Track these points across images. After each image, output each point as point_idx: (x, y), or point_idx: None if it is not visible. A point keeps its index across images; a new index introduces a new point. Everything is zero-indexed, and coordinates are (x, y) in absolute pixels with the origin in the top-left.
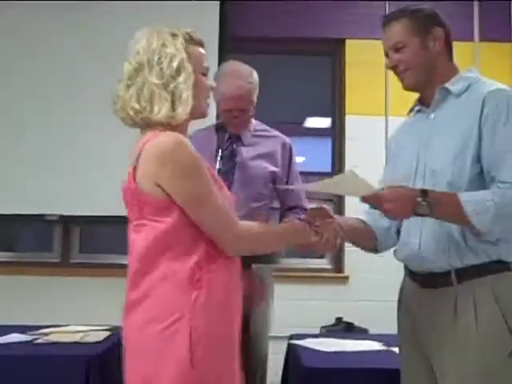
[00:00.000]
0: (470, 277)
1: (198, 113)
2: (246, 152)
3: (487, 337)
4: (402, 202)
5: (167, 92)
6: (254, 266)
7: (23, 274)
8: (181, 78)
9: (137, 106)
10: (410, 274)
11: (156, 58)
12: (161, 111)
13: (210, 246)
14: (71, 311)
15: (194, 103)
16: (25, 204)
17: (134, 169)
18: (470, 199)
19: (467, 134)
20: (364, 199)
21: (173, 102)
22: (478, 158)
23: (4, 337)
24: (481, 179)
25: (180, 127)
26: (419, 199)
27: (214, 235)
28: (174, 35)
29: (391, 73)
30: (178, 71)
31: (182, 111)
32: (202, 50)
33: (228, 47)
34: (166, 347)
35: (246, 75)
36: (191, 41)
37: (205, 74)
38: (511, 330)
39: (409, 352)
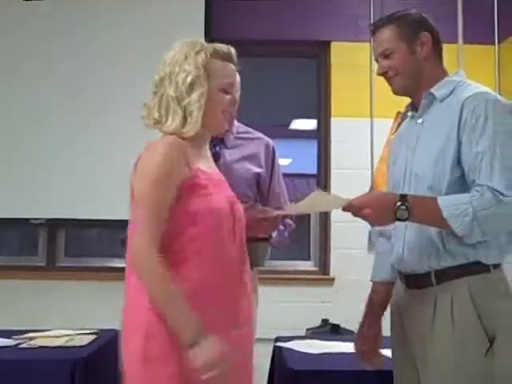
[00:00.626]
0: (448, 278)
1: (213, 128)
2: (229, 154)
3: (463, 337)
4: (381, 207)
5: (180, 107)
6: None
7: (8, 277)
8: (194, 96)
9: (156, 115)
10: (399, 275)
11: (176, 70)
12: (172, 124)
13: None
14: (57, 315)
15: (209, 119)
16: (10, 208)
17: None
18: (448, 203)
19: (447, 138)
20: (344, 209)
21: (184, 118)
22: (458, 162)
23: None
24: (462, 183)
25: (193, 138)
26: (398, 203)
27: (133, 236)
28: (198, 51)
29: (376, 75)
30: (192, 88)
31: (191, 128)
32: (227, 65)
33: None
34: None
35: None
36: (216, 55)
37: (226, 91)
38: (486, 330)
39: (399, 353)
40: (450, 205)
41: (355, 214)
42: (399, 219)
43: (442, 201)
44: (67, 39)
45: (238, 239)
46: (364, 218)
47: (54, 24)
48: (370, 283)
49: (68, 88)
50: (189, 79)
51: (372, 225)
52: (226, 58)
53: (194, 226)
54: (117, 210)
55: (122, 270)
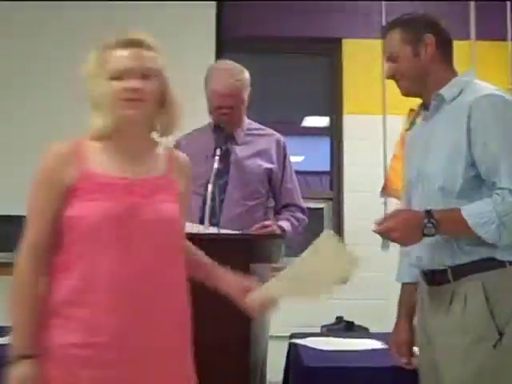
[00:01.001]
0: (463, 274)
1: (120, 120)
2: (240, 151)
3: (473, 329)
4: (409, 228)
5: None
6: (251, 265)
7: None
8: (91, 94)
9: None
10: (420, 273)
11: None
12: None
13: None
14: None
15: (112, 112)
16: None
17: None
18: (471, 212)
19: (458, 139)
20: (375, 231)
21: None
22: (471, 163)
23: None
24: (475, 183)
25: (103, 138)
26: (425, 221)
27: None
28: (94, 49)
29: None
30: (88, 83)
31: (92, 128)
32: (118, 51)
33: (225, 47)
34: None
35: (235, 73)
36: (111, 46)
37: (116, 78)
38: (497, 325)
39: (423, 349)
40: (474, 214)
41: (383, 237)
42: (427, 235)
43: (466, 211)
44: (66, 38)
45: (142, 247)
46: (393, 241)
47: (53, 23)
48: (384, 280)
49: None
50: (85, 75)
51: (403, 245)
52: (121, 44)
53: (71, 231)
54: None
55: None
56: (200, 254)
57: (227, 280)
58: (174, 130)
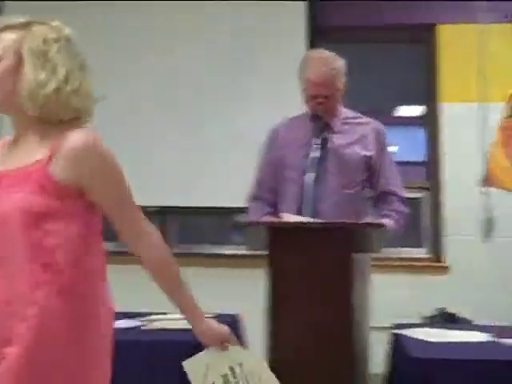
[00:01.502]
0: None
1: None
2: (337, 139)
3: None
4: None
5: None
6: (353, 254)
7: (126, 263)
8: None
9: None
10: None
11: None
12: None
13: None
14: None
15: None
16: None
17: None
18: None
19: None
20: None
21: None
22: None
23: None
24: None
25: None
26: None
27: None
28: None
29: (486, 58)
30: None
31: None
32: None
33: (317, 37)
34: None
35: (330, 62)
36: None
37: None
38: None
39: None
40: None
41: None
42: None
43: None
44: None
45: None
46: None
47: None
48: (486, 271)
49: (195, 82)
50: None
51: None
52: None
53: None
54: (227, 198)
55: (232, 256)
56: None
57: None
58: (54, 111)
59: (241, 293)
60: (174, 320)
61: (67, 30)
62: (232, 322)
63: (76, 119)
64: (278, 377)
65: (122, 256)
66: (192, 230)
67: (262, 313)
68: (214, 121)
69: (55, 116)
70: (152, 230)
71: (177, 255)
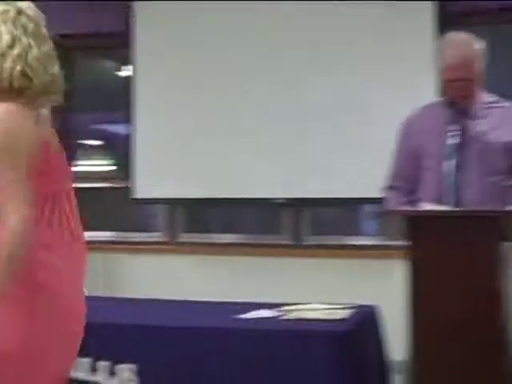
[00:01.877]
0: None
1: None
2: (478, 125)
3: None
4: None
5: None
6: (502, 243)
7: (253, 255)
8: None
9: None
10: None
11: None
12: None
13: None
14: (307, 290)
15: None
16: (253, 187)
17: None
18: None
19: None
20: None
21: None
22: None
23: (254, 312)
24: None
25: None
26: None
27: None
28: None
29: None
30: None
31: None
32: None
33: (449, 21)
34: None
35: (467, 44)
36: None
37: None
38: None
39: None
40: None
41: None
42: None
43: None
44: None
45: None
46: None
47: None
48: None
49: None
50: None
51: None
52: None
53: None
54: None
55: (365, 247)
56: None
57: None
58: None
59: (374, 284)
60: (314, 310)
61: (20, 3)
62: (371, 313)
63: (24, 89)
64: (419, 372)
65: (249, 248)
66: (323, 221)
67: (397, 304)
68: (349, 108)
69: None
70: (17, 222)
71: (309, 247)
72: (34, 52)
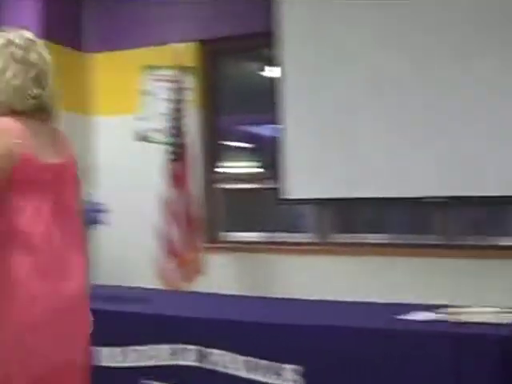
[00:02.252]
0: None
1: None
2: None
3: None
4: None
5: None
6: None
7: (403, 255)
8: None
9: None
10: None
11: None
12: None
13: None
14: (458, 292)
15: None
16: (402, 186)
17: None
18: None
19: None
20: None
21: None
22: None
23: (415, 313)
24: None
25: None
26: None
27: None
28: None
29: None
30: None
31: None
32: None
33: None
34: None
35: None
36: None
37: None
38: None
39: None
40: None
41: None
42: None
43: None
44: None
45: None
46: None
47: None
48: None
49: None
50: None
51: None
52: None
53: None
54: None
55: None
56: None
57: None
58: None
59: None
60: (481, 313)
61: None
62: None
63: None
64: None
65: (399, 248)
66: (465, 221)
67: None
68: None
69: None
70: None
71: (462, 246)
72: (10, 76)
